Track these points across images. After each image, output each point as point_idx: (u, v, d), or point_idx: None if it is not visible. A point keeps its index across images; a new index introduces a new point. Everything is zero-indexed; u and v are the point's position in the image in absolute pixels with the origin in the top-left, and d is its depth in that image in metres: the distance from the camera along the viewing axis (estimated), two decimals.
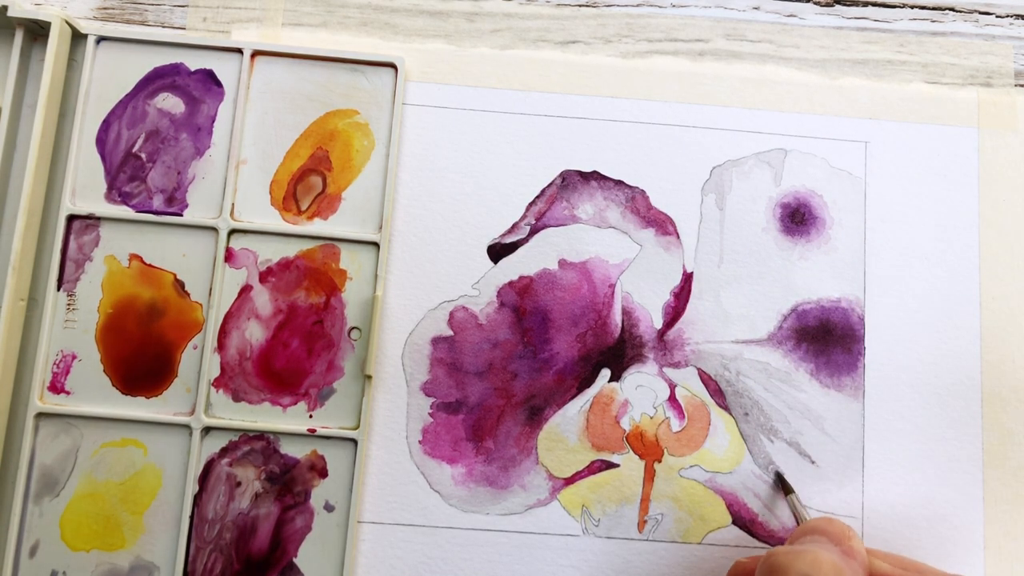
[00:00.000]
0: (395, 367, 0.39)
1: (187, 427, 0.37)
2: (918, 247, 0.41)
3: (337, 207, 0.40)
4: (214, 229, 0.39)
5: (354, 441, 0.38)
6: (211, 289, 0.39)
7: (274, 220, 0.39)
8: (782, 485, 0.38)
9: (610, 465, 0.39)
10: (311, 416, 0.38)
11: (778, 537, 0.38)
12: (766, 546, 0.38)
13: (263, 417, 0.38)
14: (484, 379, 0.39)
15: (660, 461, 0.39)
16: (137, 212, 0.39)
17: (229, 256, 0.39)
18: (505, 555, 0.38)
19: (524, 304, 0.40)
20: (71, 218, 0.39)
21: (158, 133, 0.40)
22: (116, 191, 0.39)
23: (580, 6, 0.43)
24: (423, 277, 0.40)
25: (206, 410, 0.38)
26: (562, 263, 0.40)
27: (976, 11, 0.43)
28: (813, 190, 0.41)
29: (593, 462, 0.39)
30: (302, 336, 0.39)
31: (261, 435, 0.38)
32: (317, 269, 0.39)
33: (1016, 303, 0.40)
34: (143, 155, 0.39)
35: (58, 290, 0.38)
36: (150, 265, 0.39)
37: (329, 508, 0.37)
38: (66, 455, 0.37)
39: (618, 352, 0.39)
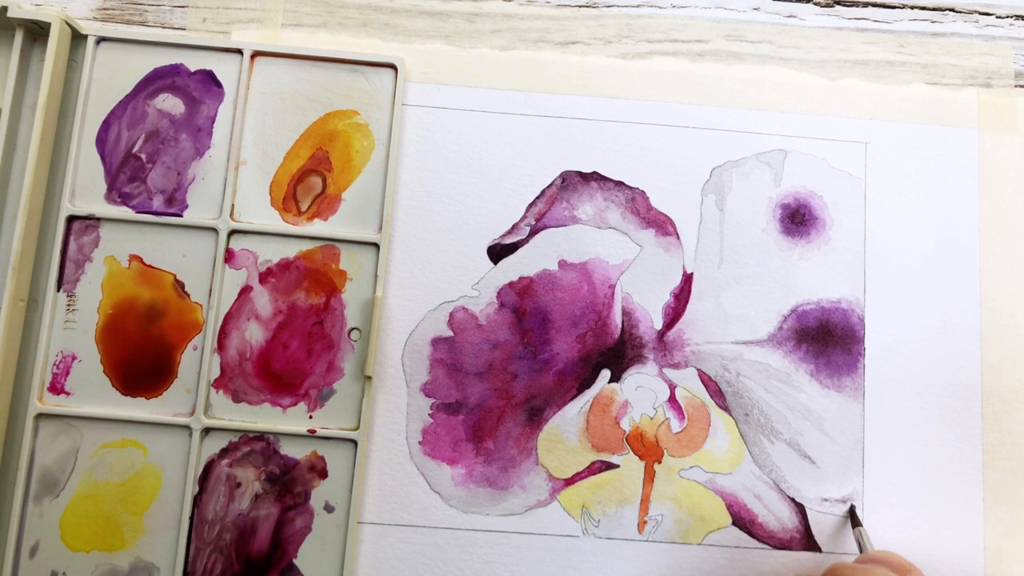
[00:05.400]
0: (395, 368, 0.39)
1: (187, 428, 0.37)
2: (918, 247, 0.41)
3: (337, 208, 0.40)
4: (214, 230, 0.39)
5: (354, 442, 0.38)
6: (211, 290, 0.39)
7: (274, 221, 0.39)
8: (852, 519, 0.38)
9: (610, 466, 0.39)
10: (311, 417, 0.38)
11: (778, 538, 0.38)
12: (766, 547, 0.38)
13: (263, 418, 0.38)
14: (484, 380, 0.39)
15: (660, 462, 0.39)
16: (137, 213, 0.39)
17: (229, 257, 0.39)
18: (505, 556, 0.38)
19: (524, 305, 0.40)
20: (71, 219, 0.39)
21: (158, 134, 0.40)
22: (116, 192, 0.39)
23: (580, 7, 0.43)
24: (423, 278, 0.40)
25: (206, 411, 0.38)
26: (562, 264, 0.40)
27: (976, 12, 0.43)
28: (813, 191, 0.41)
29: (593, 463, 0.39)
30: (302, 337, 0.39)
31: (261, 436, 0.38)
32: (317, 270, 0.39)
33: (1016, 303, 0.40)
34: (143, 156, 0.39)
35: (58, 291, 0.38)
36: (150, 266, 0.39)
37: (329, 509, 0.37)
38: (66, 456, 0.37)
39: (618, 353, 0.39)
